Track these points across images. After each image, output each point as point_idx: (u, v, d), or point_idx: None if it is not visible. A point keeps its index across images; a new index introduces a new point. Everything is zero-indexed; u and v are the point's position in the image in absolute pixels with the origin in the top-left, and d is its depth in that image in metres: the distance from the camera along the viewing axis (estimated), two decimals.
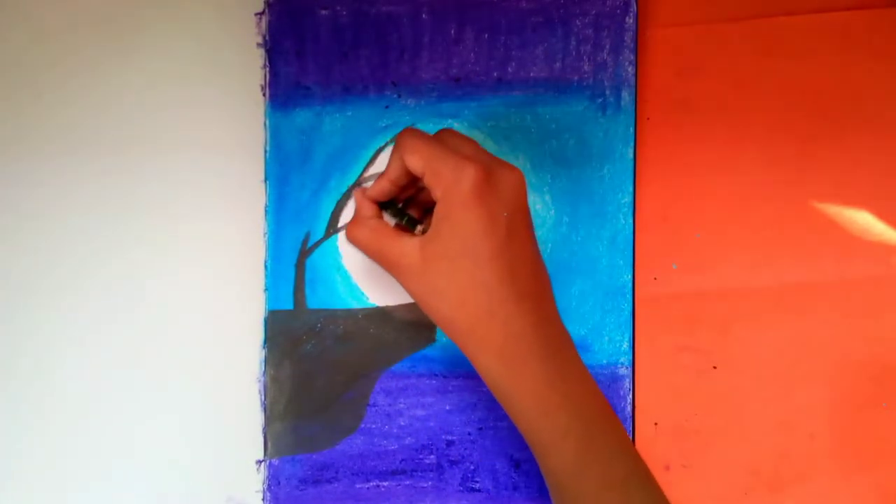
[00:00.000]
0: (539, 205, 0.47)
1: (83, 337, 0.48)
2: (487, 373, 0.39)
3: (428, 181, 0.38)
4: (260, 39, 0.48)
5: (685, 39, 0.47)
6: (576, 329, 0.47)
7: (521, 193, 0.39)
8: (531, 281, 0.39)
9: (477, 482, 0.47)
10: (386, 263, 0.40)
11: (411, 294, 0.40)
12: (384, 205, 0.42)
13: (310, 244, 0.48)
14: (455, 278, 0.38)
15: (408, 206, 0.44)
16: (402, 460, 0.47)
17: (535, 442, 0.39)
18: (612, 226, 0.47)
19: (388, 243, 0.40)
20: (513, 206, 0.38)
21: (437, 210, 0.38)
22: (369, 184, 0.46)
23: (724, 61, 0.47)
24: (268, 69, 0.48)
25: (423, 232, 0.41)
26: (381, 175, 0.41)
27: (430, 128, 0.47)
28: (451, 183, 0.37)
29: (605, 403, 0.40)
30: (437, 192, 0.38)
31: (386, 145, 0.48)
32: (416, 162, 0.39)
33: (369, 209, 0.42)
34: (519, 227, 0.39)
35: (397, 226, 0.41)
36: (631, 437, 0.46)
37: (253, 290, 0.48)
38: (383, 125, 0.48)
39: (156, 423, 0.48)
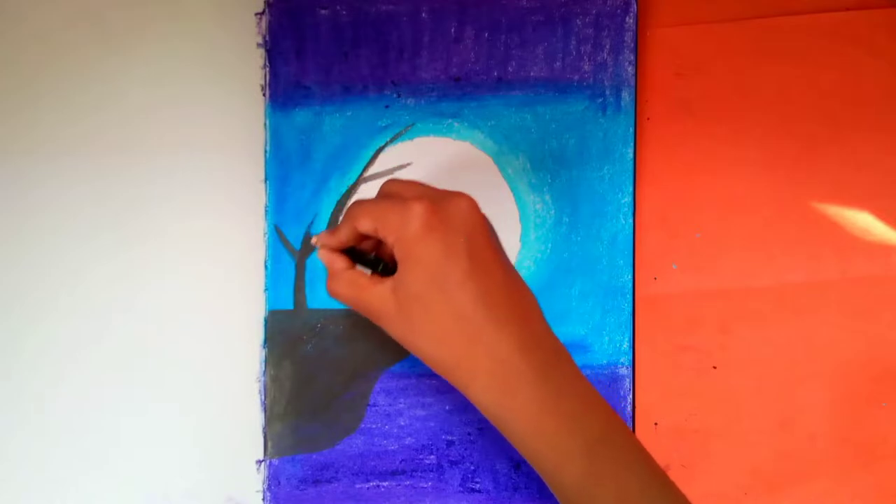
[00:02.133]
0: (539, 205, 0.47)
1: (83, 337, 0.48)
2: (479, 403, 0.39)
3: (381, 234, 0.39)
4: (260, 39, 0.48)
5: (685, 39, 0.47)
6: (576, 329, 0.47)
7: (475, 216, 0.39)
8: (509, 304, 0.38)
9: (477, 483, 0.47)
10: (367, 313, 0.40)
11: (396, 339, 0.40)
12: (356, 258, 0.42)
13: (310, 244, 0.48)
14: (429, 315, 0.38)
15: (379, 254, 0.43)
16: (402, 460, 0.47)
17: (538, 466, 0.38)
18: (612, 226, 0.47)
19: (364, 294, 0.40)
20: (468, 230, 0.38)
21: (397, 255, 0.38)
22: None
23: (724, 61, 0.47)
24: (268, 69, 0.48)
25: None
26: (333, 232, 0.41)
27: (430, 128, 0.47)
28: (401, 226, 0.38)
29: (609, 417, 0.39)
30: (390, 240, 0.38)
31: (386, 145, 0.48)
32: (366, 223, 0.39)
33: (340, 262, 0.41)
34: (482, 250, 0.38)
35: (374, 274, 0.41)
36: None
37: (253, 290, 0.48)
38: (383, 125, 0.48)
39: (156, 422, 0.48)
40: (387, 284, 0.39)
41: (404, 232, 0.38)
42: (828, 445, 0.46)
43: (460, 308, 0.38)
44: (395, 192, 0.40)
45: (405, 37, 0.47)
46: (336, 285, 0.41)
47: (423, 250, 0.37)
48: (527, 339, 0.38)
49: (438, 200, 0.38)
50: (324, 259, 0.42)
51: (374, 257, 0.41)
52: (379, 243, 0.42)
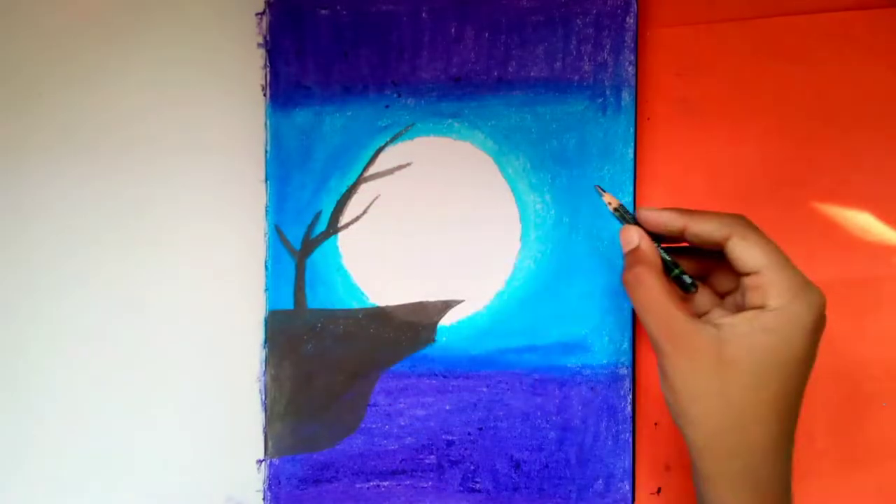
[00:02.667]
0: (539, 205, 0.47)
1: (84, 337, 0.48)
2: (711, 492, 0.36)
3: (760, 282, 0.35)
4: (260, 39, 0.48)
5: (685, 39, 0.47)
6: (576, 329, 0.47)
7: (823, 323, 0.36)
8: (795, 420, 0.36)
9: (477, 482, 0.47)
10: (661, 335, 0.36)
11: (668, 383, 0.36)
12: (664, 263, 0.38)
13: (310, 244, 0.48)
14: (741, 401, 0.34)
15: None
16: (402, 460, 0.47)
17: None
18: (612, 226, 0.47)
19: (678, 321, 0.35)
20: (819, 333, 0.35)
21: (764, 321, 0.34)
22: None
23: (724, 61, 0.47)
24: (268, 69, 0.48)
25: (695, 290, 0.38)
26: (674, 212, 0.37)
27: (430, 128, 0.47)
28: (792, 303, 0.34)
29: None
30: (771, 301, 0.34)
31: (386, 145, 0.48)
32: (757, 256, 0.35)
33: (654, 254, 0.37)
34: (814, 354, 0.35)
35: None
36: (631, 438, 0.46)
37: (253, 290, 0.48)
38: (383, 125, 0.48)
39: (156, 422, 0.48)
40: (713, 332, 0.35)
41: (793, 313, 0.34)
42: (828, 445, 0.46)
43: (771, 418, 0.35)
44: (786, 258, 0.36)
45: (405, 37, 0.47)
46: (644, 285, 0.36)
47: (802, 343, 0.34)
48: (789, 461, 0.36)
49: (824, 301, 0.36)
50: (636, 239, 0.38)
51: (690, 281, 0.37)
52: (707, 266, 0.39)
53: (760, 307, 0.35)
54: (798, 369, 0.35)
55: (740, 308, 0.36)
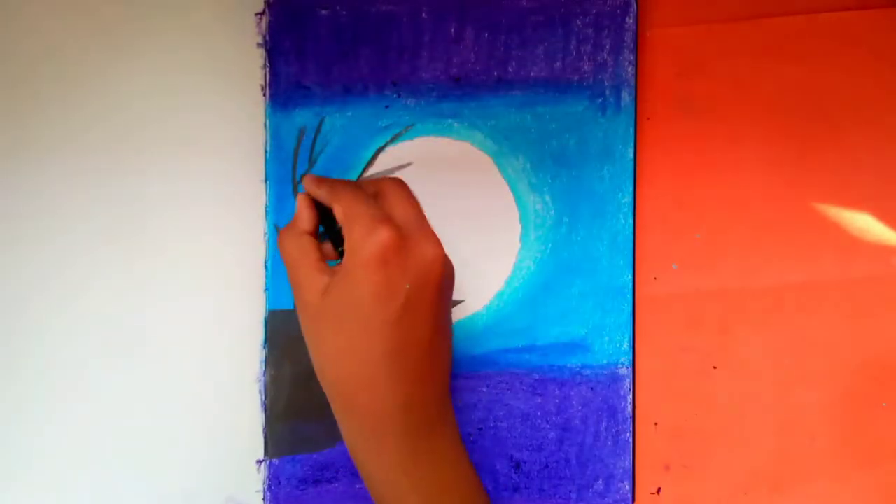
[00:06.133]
0: (539, 205, 0.47)
1: (82, 337, 0.48)
2: (347, 439, 0.39)
3: (344, 232, 0.37)
4: (260, 39, 0.48)
5: (685, 39, 0.47)
6: (576, 329, 0.47)
7: (435, 270, 0.37)
8: (418, 364, 0.37)
9: None
10: (293, 287, 0.39)
11: (302, 330, 0.39)
12: (325, 218, 0.41)
13: None
14: (340, 337, 0.37)
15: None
16: None
17: None
18: (612, 226, 0.47)
19: (302, 267, 0.38)
20: (420, 280, 0.36)
21: (344, 263, 0.37)
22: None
23: (724, 61, 0.47)
24: (268, 69, 0.48)
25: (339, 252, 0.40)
26: (319, 183, 0.40)
27: (430, 128, 0.47)
28: (359, 241, 0.36)
29: (470, 490, 0.40)
30: (347, 245, 0.37)
31: (386, 145, 0.48)
32: (338, 211, 0.38)
33: (307, 221, 0.40)
34: (422, 303, 0.37)
35: (327, 243, 0.40)
36: (631, 438, 0.46)
37: (253, 290, 0.48)
38: (383, 125, 0.48)
39: (156, 422, 0.48)
40: (325, 279, 0.38)
41: (360, 250, 0.36)
42: (828, 445, 0.46)
43: (369, 350, 0.37)
44: (384, 200, 0.39)
45: (405, 37, 0.47)
46: (287, 240, 0.39)
47: (364, 277, 0.36)
48: (415, 402, 0.38)
49: (408, 237, 0.37)
50: (300, 204, 0.40)
51: (339, 232, 0.39)
52: None
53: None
54: (378, 308, 0.36)
55: None
